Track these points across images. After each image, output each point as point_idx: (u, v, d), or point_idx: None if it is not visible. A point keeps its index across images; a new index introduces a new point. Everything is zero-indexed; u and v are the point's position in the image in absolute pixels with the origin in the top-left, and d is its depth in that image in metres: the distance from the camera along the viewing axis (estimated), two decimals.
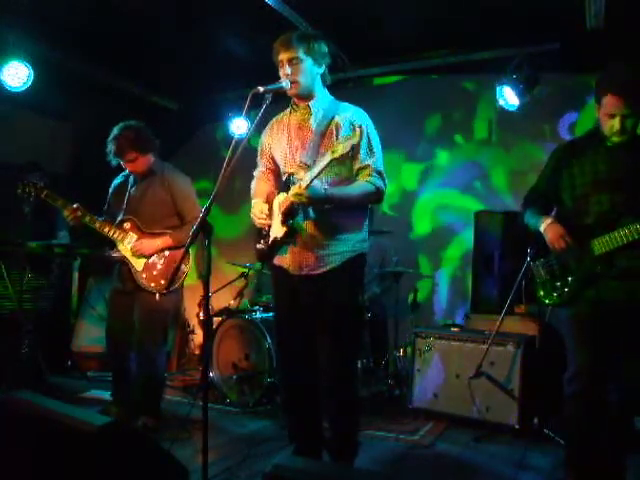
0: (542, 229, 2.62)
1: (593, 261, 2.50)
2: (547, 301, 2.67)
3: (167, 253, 3.42)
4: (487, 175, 4.88)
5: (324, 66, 2.62)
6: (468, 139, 4.98)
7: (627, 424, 2.68)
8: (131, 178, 3.58)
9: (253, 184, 2.87)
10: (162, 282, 3.37)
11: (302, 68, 2.53)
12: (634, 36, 3.71)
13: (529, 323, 3.82)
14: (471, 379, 3.56)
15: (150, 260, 3.40)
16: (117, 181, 3.66)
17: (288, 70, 2.52)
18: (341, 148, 2.30)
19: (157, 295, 3.35)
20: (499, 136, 4.85)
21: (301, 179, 2.44)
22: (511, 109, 4.36)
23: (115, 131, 3.41)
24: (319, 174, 2.38)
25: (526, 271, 2.83)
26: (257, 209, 2.63)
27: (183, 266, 3.37)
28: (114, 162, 3.46)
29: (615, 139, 2.49)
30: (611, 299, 2.48)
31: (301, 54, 2.51)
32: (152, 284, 3.38)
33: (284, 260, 2.62)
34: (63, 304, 5.03)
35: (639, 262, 2.44)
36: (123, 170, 3.60)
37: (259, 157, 2.86)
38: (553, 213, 2.76)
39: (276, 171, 2.79)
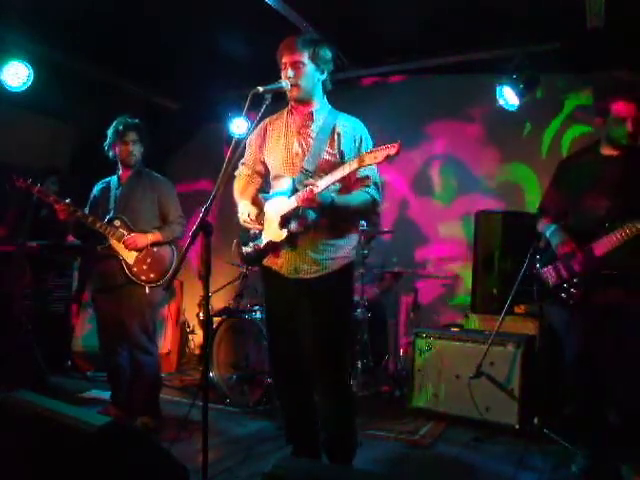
0: (548, 235, 2.91)
1: (594, 262, 2.70)
2: (556, 301, 2.86)
3: (155, 249, 3.55)
4: (487, 175, 4.88)
5: (326, 73, 2.61)
6: (468, 139, 4.97)
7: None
8: (113, 182, 3.64)
9: (237, 185, 2.82)
10: (152, 275, 3.51)
11: (305, 73, 2.52)
12: (634, 36, 3.71)
13: (529, 323, 3.82)
14: (471, 379, 3.56)
15: (140, 255, 3.51)
16: (99, 187, 3.72)
17: (290, 73, 2.51)
18: (369, 159, 2.27)
19: (147, 288, 3.48)
20: (499, 136, 4.85)
21: (311, 184, 2.40)
22: (511, 109, 4.36)
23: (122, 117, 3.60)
24: (334, 182, 2.40)
25: (536, 276, 3.00)
26: (246, 210, 2.62)
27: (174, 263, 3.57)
28: (111, 138, 3.54)
29: (624, 142, 2.72)
30: (611, 298, 2.66)
31: (305, 59, 2.51)
32: (142, 277, 3.49)
33: (275, 262, 2.61)
34: (63, 304, 5.03)
35: (636, 262, 2.63)
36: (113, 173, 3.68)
37: (247, 158, 2.80)
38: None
39: (263, 174, 2.78)
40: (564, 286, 2.81)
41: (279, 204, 2.54)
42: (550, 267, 2.89)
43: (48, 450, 1.88)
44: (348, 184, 2.58)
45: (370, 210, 2.61)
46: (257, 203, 2.67)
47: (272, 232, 2.57)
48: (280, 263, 2.59)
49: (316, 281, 2.55)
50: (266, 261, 2.65)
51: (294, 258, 2.56)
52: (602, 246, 2.67)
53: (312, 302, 2.55)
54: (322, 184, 2.39)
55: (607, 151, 2.81)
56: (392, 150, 2.21)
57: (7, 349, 4.01)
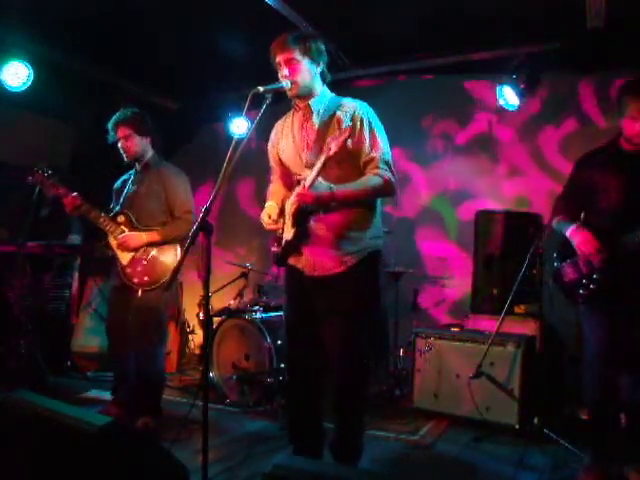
0: (568, 235, 2.81)
1: (615, 259, 2.67)
2: (574, 298, 2.82)
3: (154, 250, 3.39)
4: (487, 175, 4.87)
5: (322, 64, 2.61)
6: (468, 139, 4.97)
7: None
8: (131, 176, 3.59)
9: (268, 190, 2.85)
10: (145, 278, 3.35)
11: (300, 68, 2.52)
12: (634, 36, 3.71)
13: (529, 323, 3.82)
14: (471, 379, 3.55)
15: (136, 255, 3.39)
16: (120, 180, 3.68)
17: (286, 71, 2.52)
18: (334, 146, 2.31)
19: (139, 292, 3.35)
20: (499, 136, 4.85)
21: (304, 180, 2.44)
22: (511, 109, 4.36)
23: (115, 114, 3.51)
24: (318, 174, 2.39)
25: (555, 274, 2.95)
26: (265, 213, 2.63)
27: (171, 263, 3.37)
28: (112, 138, 3.46)
29: (638, 140, 2.65)
30: (629, 297, 2.66)
31: (297, 55, 2.51)
32: (135, 280, 3.35)
33: (299, 261, 2.61)
34: (63, 304, 5.03)
35: None
36: (124, 170, 3.63)
37: (271, 164, 2.85)
38: (582, 217, 2.89)
39: (288, 174, 2.77)
40: (583, 282, 2.75)
41: (291, 203, 2.56)
42: (570, 263, 2.83)
43: (48, 450, 1.88)
44: (356, 173, 2.53)
45: (384, 192, 2.55)
46: (284, 204, 2.68)
47: (287, 231, 2.59)
48: (302, 262, 2.59)
49: (334, 279, 2.52)
50: (291, 260, 2.64)
51: (313, 256, 2.55)
52: (624, 242, 2.63)
53: (333, 300, 2.53)
54: (309, 179, 2.40)
55: (630, 147, 2.73)
56: (345, 134, 2.31)
57: (7, 349, 4.01)
